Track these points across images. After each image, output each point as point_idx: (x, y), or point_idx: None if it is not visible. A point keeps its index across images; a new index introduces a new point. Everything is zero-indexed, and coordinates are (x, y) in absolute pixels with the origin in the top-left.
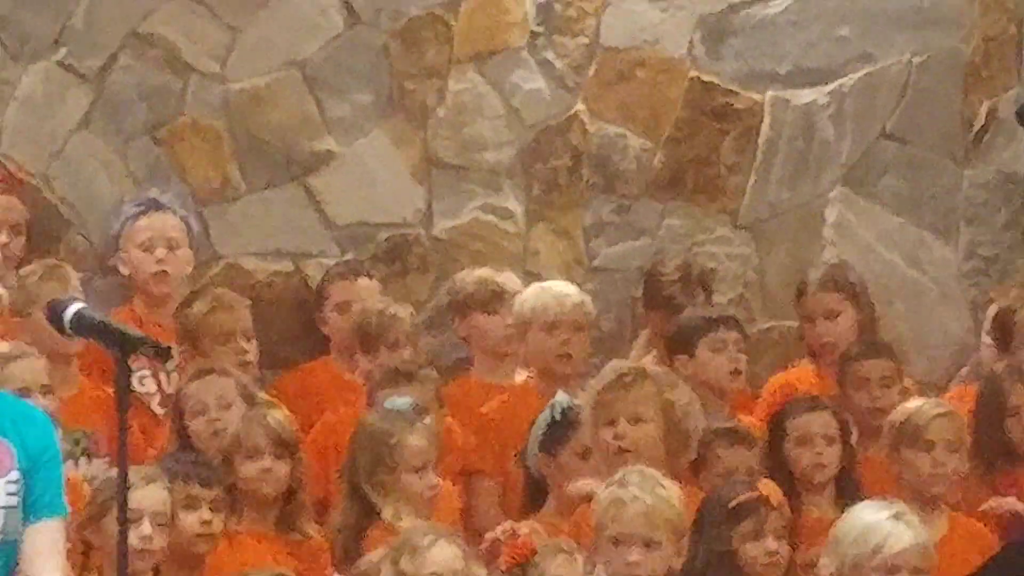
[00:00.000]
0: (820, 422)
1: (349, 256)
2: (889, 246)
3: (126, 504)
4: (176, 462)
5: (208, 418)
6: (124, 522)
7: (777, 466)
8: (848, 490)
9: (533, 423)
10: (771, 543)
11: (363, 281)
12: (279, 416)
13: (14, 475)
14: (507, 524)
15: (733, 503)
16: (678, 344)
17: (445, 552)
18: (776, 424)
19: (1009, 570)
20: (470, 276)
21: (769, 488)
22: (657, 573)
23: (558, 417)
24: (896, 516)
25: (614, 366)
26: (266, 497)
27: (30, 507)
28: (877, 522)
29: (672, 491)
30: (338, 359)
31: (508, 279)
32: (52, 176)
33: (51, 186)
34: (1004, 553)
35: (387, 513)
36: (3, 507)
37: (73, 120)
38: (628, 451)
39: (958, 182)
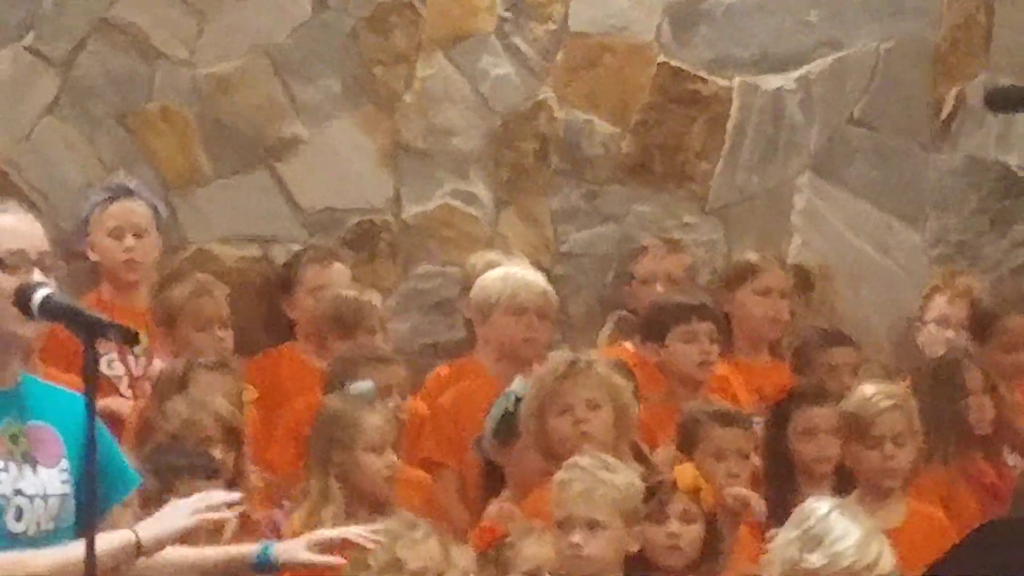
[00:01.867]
0: (826, 416)
1: (316, 241)
2: (857, 232)
3: (95, 492)
4: (176, 455)
5: (186, 402)
6: (92, 514)
7: (777, 454)
8: (846, 478)
9: (483, 408)
10: (675, 526)
11: (337, 266)
12: (225, 403)
13: (64, 463)
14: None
15: None
16: (649, 331)
17: (433, 547)
18: (779, 413)
19: (984, 549)
20: (481, 259)
21: (684, 472)
22: (605, 557)
23: (511, 408)
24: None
25: (561, 356)
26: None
27: (110, 490)
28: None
29: (623, 475)
30: (304, 344)
31: (518, 263)
32: (20, 161)
33: (19, 171)
34: (979, 532)
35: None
36: (57, 495)
37: (41, 105)
38: (589, 436)
39: (926, 168)
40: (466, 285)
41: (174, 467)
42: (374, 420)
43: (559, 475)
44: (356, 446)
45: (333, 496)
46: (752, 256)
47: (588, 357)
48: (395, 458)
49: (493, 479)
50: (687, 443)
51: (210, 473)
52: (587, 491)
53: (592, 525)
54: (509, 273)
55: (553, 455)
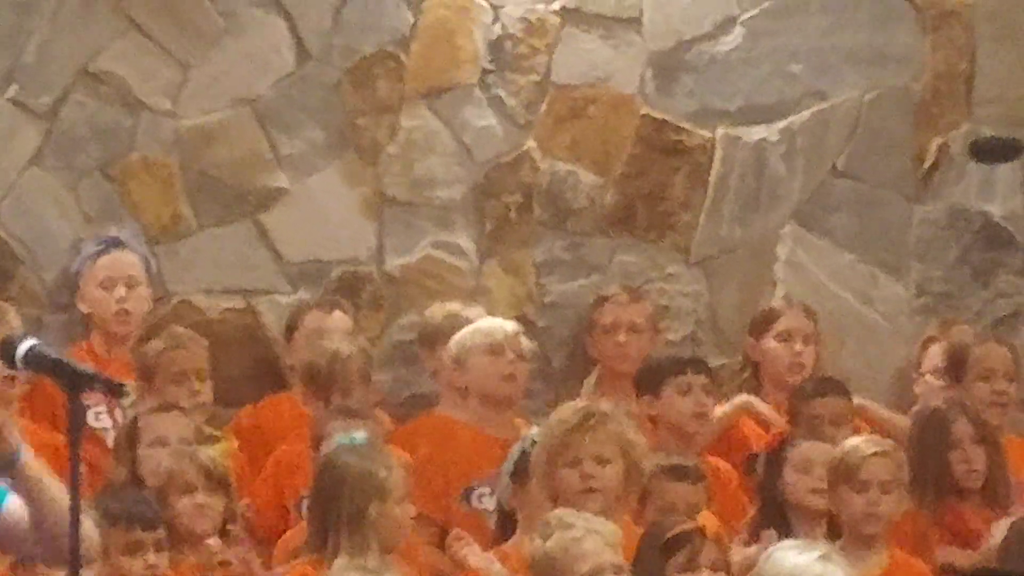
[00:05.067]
0: (821, 450)
1: (301, 293)
2: (840, 283)
3: (78, 542)
4: (116, 503)
5: (168, 453)
6: (75, 559)
7: (770, 497)
8: (836, 529)
9: (470, 460)
10: (706, 575)
11: (338, 314)
12: (211, 452)
13: None
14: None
15: (669, 534)
16: (644, 384)
17: None
18: (775, 455)
19: None
20: (440, 310)
21: (708, 520)
22: None
23: (528, 448)
24: (824, 557)
25: (574, 407)
26: (203, 533)
27: None
28: (807, 563)
29: (609, 524)
30: (301, 392)
31: (477, 314)
32: (3, 213)
33: (2, 223)
34: None
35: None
36: None
37: (24, 157)
38: (595, 491)
39: (909, 219)
40: (424, 336)
41: (111, 514)
42: (401, 474)
43: (557, 539)
44: (389, 500)
45: (370, 548)
46: (775, 301)
47: (602, 409)
48: (412, 508)
49: (506, 525)
50: (640, 497)
51: (147, 524)
52: (608, 539)
53: (619, 571)
54: (480, 322)
55: (560, 504)
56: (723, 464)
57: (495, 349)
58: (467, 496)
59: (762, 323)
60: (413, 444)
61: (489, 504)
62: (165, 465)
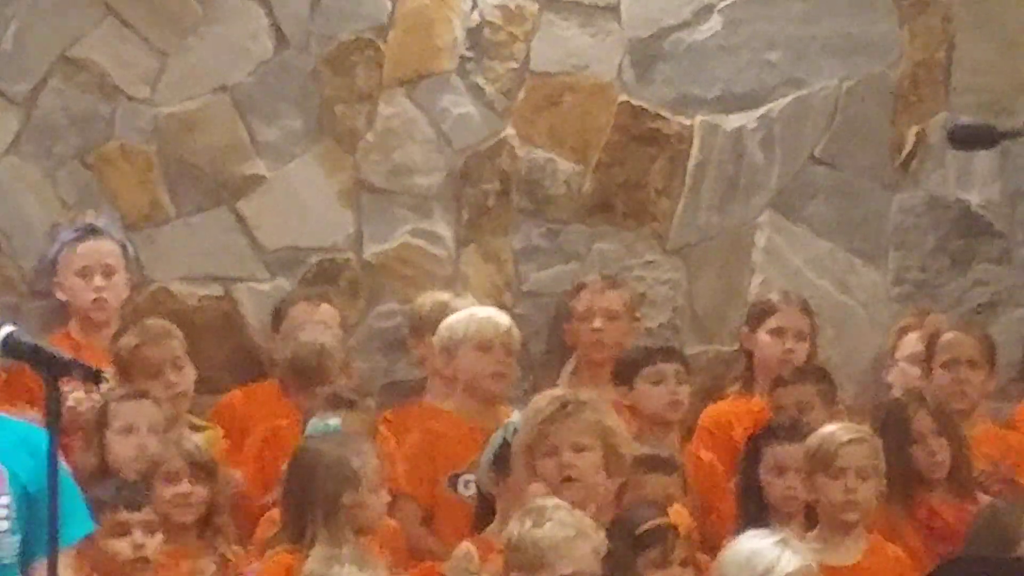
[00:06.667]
0: (795, 454)
1: (279, 281)
2: (818, 271)
3: (56, 530)
4: (102, 489)
5: (137, 441)
6: (54, 549)
7: (749, 490)
8: (815, 517)
9: (457, 448)
10: (676, 571)
11: (325, 307)
12: (197, 439)
13: (5, 499)
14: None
15: (640, 529)
16: (618, 376)
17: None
18: (753, 449)
19: None
20: (429, 299)
21: (679, 515)
22: None
23: (510, 438)
24: (782, 542)
25: (551, 396)
26: (185, 523)
27: (31, 540)
28: (763, 548)
29: (600, 532)
30: (280, 382)
31: (467, 303)
32: None
33: None
34: (937, 571)
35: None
36: None
37: (2, 144)
38: (574, 479)
39: (887, 207)
40: (413, 324)
41: (99, 500)
42: (375, 461)
43: (548, 530)
44: (362, 487)
45: (346, 538)
46: (772, 295)
47: (579, 397)
48: (387, 496)
49: (485, 512)
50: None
51: (133, 504)
52: (596, 547)
53: None
54: (473, 311)
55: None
56: (710, 456)
57: (485, 345)
58: (453, 483)
59: (758, 316)
60: (402, 429)
61: (474, 491)
62: (150, 452)
